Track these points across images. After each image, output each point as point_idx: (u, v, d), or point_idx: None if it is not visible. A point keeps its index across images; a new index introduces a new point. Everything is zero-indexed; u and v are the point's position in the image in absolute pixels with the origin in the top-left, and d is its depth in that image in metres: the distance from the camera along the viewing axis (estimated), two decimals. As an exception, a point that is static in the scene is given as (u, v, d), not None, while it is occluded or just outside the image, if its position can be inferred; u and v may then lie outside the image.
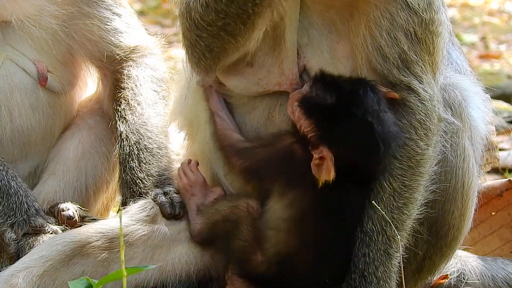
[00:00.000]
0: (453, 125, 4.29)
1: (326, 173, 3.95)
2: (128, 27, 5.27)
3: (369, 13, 4.17)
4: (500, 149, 8.00)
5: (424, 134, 4.17)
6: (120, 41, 5.22)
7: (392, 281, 4.16)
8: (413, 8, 4.17)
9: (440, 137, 4.22)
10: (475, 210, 4.98)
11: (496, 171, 7.44)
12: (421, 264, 4.27)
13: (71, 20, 5.04)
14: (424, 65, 4.26)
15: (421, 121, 4.18)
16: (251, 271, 4.35)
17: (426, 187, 4.16)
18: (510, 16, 19.57)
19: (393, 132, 4.03)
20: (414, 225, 4.23)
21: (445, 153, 4.22)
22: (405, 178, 4.16)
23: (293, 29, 4.23)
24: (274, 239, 4.28)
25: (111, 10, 5.22)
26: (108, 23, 5.20)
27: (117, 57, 5.20)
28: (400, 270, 4.13)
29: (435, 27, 4.28)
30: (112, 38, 5.21)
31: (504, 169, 7.42)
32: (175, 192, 4.49)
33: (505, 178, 6.80)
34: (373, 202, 4.14)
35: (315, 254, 4.23)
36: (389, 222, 4.11)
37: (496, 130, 8.27)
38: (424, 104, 4.21)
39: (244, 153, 4.37)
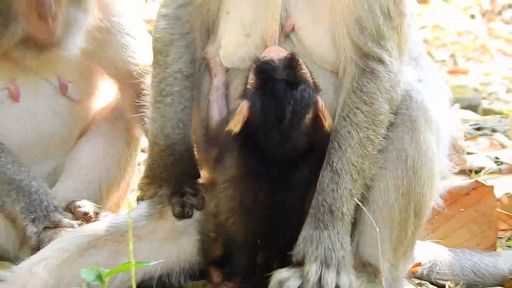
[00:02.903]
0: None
1: (234, 123, 4.05)
2: (143, 47, 5.29)
3: None
4: (468, 153, 8.03)
5: (388, 100, 4.24)
6: (137, 60, 5.28)
7: (351, 219, 4.23)
8: None
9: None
10: (446, 207, 5.01)
11: (464, 172, 7.45)
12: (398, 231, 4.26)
13: (93, 45, 5.09)
14: (393, 42, 4.31)
15: (387, 88, 4.24)
16: (211, 255, 4.45)
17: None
18: (477, 36, 19.62)
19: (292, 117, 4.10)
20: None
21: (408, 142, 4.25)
22: (369, 132, 4.21)
23: None
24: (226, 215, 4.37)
25: (128, 35, 5.30)
26: (126, 47, 5.28)
27: (135, 73, 5.22)
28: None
29: (404, 8, 4.33)
30: (130, 59, 5.28)
31: (471, 171, 7.44)
32: (191, 194, 4.44)
33: (472, 179, 6.83)
34: (339, 146, 4.22)
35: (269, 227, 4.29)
36: (354, 165, 4.18)
37: (464, 136, 8.31)
38: (390, 75, 4.26)
39: (214, 137, 4.46)
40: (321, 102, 4.18)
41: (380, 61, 4.26)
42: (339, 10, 4.23)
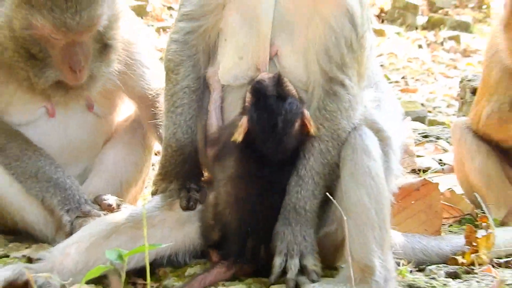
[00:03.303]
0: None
1: (238, 134, 4.07)
2: (156, 73, 5.28)
3: (327, 20, 4.20)
4: (417, 156, 8.02)
5: (347, 118, 4.21)
6: (151, 86, 5.26)
7: (314, 215, 4.21)
8: (355, 24, 4.22)
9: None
10: (400, 200, 5.05)
11: (414, 172, 7.42)
12: None
13: (116, 76, 5.10)
14: (354, 70, 4.29)
15: (346, 107, 4.22)
16: (210, 239, 4.42)
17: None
18: (423, 62, 19.63)
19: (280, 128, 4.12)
20: None
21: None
22: (328, 144, 4.20)
23: (268, 23, 4.29)
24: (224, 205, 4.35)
25: (145, 66, 5.28)
26: (142, 76, 5.26)
27: (150, 96, 5.23)
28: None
29: (364, 42, 4.33)
30: (145, 85, 5.26)
31: (420, 170, 7.42)
32: (195, 190, 4.43)
33: (421, 177, 6.80)
34: (306, 157, 4.22)
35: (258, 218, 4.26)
36: (317, 173, 4.19)
37: (414, 142, 8.27)
38: (350, 97, 4.25)
39: (213, 141, 4.44)
40: (306, 112, 4.16)
41: (342, 85, 4.24)
42: (312, 41, 4.25)
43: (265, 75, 4.24)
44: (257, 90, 4.20)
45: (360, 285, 3.96)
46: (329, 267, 4.24)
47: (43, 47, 4.74)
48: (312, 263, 4.10)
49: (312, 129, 4.16)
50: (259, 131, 4.15)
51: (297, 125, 4.17)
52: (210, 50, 4.53)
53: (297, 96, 4.23)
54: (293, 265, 4.07)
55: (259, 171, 4.26)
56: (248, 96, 4.21)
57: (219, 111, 4.47)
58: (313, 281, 4.03)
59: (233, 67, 4.38)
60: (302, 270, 4.08)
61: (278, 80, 4.21)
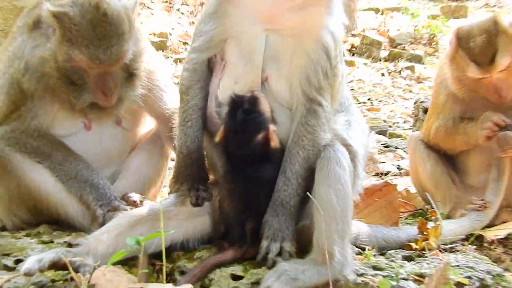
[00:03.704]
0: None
1: (217, 137, 4.29)
2: (172, 95, 5.31)
3: (308, 53, 4.28)
4: (380, 162, 8.00)
5: (323, 130, 4.31)
6: (168, 106, 5.27)
7: (296, 209, 4.29)
8: (330, 57, 4.30)
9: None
10: (365, 198, 5.14)
11: (377, 175, 7.40)
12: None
13: (139, 98, 5.13)
14: (328, 93, 4.38)
15: (323, 122, 4.32)
16: (219, 231, 4.49)
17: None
18: (385, 87, 19.60)
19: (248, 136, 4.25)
20: None
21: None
22: (309, 152, 4.27)
23: (261, 55, 4.36)
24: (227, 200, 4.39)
25: (163, 90, 5.30)
26: (161, 99, 5.28)
27: (167, 114, 5.23)
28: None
29: (337, 71, 4.42)
30: (163, 106, 5.28)
31: (382, 174, 7.40)
32: (203, 190, 4.43)
33: (383, 179, 6.80)
34: (291, 162, 4.30)
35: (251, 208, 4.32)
36: (299, 175, 4.26)
37: (378, 151, 8.25)
38: (326, 114, 4.34)
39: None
40: (272, 128, 4.25)
41: (320, 104, 4.31)
42: (295, 69, 4.31)
43: (244, 94, 4.30)
44: (232, 104, 4.28)
45: (321, 266, 4.02)
46: (304, 252, 4.20)
47: (80, 76, 4.76)
48: (289, 246, 4.16)
49: (273, 143, 4.26)
50: (229, 136, 4.26)
51: (260, 136, 4.23)
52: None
53: (268, 115, 4.28)
54: (275, 248, 4.14)
55: (239, 169, 4.32)
56: (227, 107, 4.30)
57: (215, 104, 4.53)
58: (285, 260, 4.08)
59: (229, 89, 4.41)
60: (281, 252, 4.14)
61: (252, 99, 4.26)
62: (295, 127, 4.35)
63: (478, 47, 5.39)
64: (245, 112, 4.24)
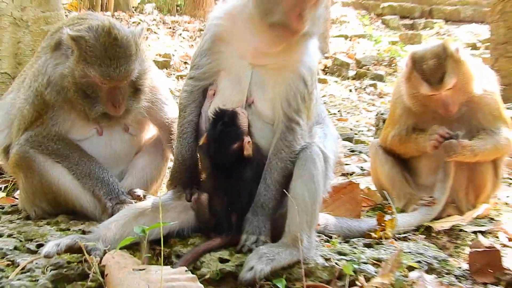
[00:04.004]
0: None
1: (200, 141, 4.39)
2: (172, 107, 5.32)
3: (288, 82, 4.33)
4: (346, 164, 7.98)
5: (298, 144, 4.33)
6: (168, 116, 5.27)
7: (273, 211, 4.29)
8: (306, 85, 4.34)
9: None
10: (333, 195, 5.09)
11: (344, 175, 7.39)
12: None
13: (143, 109, 5.16)
14: (304, 113, 4.40)
15: (300, 137, 4.35)
16: (210, 225, 4.42)
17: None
18: (352, 101, 19.61)
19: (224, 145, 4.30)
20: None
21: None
22: (287, 162, 4.29)
23: (247, 81, 4.39)
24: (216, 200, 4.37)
25: (164, 103, 5.30)
26: (162, 110, 5.28)
27: (167, 123, 5.24)
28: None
29: (312, 95, 4.44)
30: (164, 115, 5.27)
31: (347, 174, 7.38)
32: (196, 188, 4.49)
33: (348, 179, 6.78)
34: (270, 171, 4.32)
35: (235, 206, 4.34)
36: (278, 182, 4.27)
37: (344, 155, 8.23)
38: (302, 131, 4.37)
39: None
40: (246, 140, 4.28)
41: (297, 123, 4.34)
42: (277, 94, 4.35)
43: (226, 109, 4.33)
44: (215, 115, 4.32)
45: (292, 249, 4.09)
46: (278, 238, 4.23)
47: (94, 90, 4.77)
48: (263, 238, 4.19)
49: (246, 152, 4.28)
50: (209, 143, 4.30)
51: (235, 146, 4.26)
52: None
53: (244, 128, 4.30)
54: (252, 239, 4.18)
55: (219, 171, 4.36)
56: (209, 119, 4.37)
57: (206, 122, 4.52)
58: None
59: None
60: (257, 243, 4.16)
61: (232, 114, 4.28)
62: (275, 141, 4.36)
63: (429, 69, 5.40)
64: (224, 124, 4.27)
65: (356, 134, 12.16)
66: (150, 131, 5.43)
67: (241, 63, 4.42)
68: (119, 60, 4.69)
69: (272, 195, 4.28)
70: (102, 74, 4.66)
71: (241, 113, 4.32)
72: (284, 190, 4.23)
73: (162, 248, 3.78)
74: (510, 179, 7.29)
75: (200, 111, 4.58)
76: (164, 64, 20.16)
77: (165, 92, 5.36)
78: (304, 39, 4.36)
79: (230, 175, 4.33)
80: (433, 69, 5.39)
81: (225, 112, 4.31)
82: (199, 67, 4.57)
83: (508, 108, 10.63)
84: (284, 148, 4.33)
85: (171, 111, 5.28)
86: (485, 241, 5.07)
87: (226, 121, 4.28)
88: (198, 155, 4.56)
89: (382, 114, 10.52)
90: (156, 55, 20.77)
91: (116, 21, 4.95)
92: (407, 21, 33.53)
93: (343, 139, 10.94)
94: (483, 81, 5.63)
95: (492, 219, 5.72)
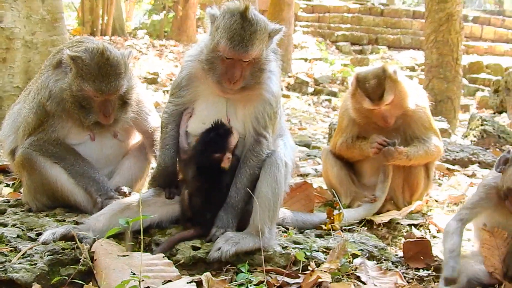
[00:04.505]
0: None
1: (195, 140, 4.38)
2: (155, 118, 5.24)
3: (256, 105, 4.29)
4: (302, 166, 7.97)
5: (265, 153, 4.28)
6: (151, 125, 5.18)
7: (241, 210, 4.27)
8: (271, 106, 4.29)
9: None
10: (291, 192, 5.02)
11: (300, 176, 7.37)
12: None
13: (130, 119, 5.07)
14: (270, 129, 4.34)
15: (265, 148, 4.30)
16: (187, 216, 4.39)
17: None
18: (311, 113, 19.61)
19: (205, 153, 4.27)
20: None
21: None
22: (255, 169, 4.25)
23: (224, 104, 4.35)
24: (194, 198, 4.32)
25: (147, 114, 5.21)
26: (146, 120, 5.18)
27: (150, 131, 5.17)
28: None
29: (277, 114, 4.41)
30: (147, 125, 5.17)
31: (303, 175, 7.37)
32: (175, 187, 4.50)
33: (304, 179, 6.75)
34: (240, 177, 4.29)
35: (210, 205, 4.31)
36: (246, 186, 4.21)
37: (301, 159, 8.19)
38: (268, 143, 4.31)
39: (184, 152, 4.45)
40: (227, 155, 4.24)
41: (264, 137, 4.29)
42: (247, 114, 4.31)
43: (225, 125, 4.29)
44: (214, 124, 4.27)
45: (255, 237, 4.10)
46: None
47: (88, 102, 4.71)
48: (231, 233, 4.15)
49: (223, 165, 4.24)
50: (198, 143, 4.32)
51: (216, 155, 4.22)
52: None
53: (231, 146, 4.25)
54: (220, 231, 4.17)
55: (204, 174, 4.30)
56: (207, 127, 4.30)
57: (185, 138, 4.48)
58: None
59: (198, 128, 4.38)
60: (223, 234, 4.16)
61: (226, 130, 4.25)
62: (245, 152, 4.32)
63: (371, 87, 5.41)
64: (217, 134, 4.22)
65: (313, 141, 12.17)
66: (136, 138, 5.33)
67: (215, 94, 4.35)
68: (110, 77, 4.65)
69: (241, 197, 4.23)
70: (96, 88, 4.61)
71: (235, 134, 4.27)
72: (251, 190, 4.20)
73: (142, 237, 3.72)
74: (440, 180, 7.31)
75: (178, 129, 4.52)
76: (152, 81, 20.22)
77: (148, 105, 5.29)
78: (267, 76, 4.32)
79: (210, 180, 4.28)
80: (374, 87, 5.40)
81: (222, 126, 4.26)
82: (178, 96, 4.51)
83: (439, 121, 10.79)
84: (252, 158, 4.28)
85: (154, 121, 5.20)
86: (418, 232, 5.12)
87: (220, 132, 4.23)
88: (180, 166, 4.54)
89: (334, 124, 10.48)
90: (146, 73, 20.75)
91: (109, 45, 4.93)
92: (357, 47, 33.68)
93: (302, 145, 10.92)
94: (416, 98, 5.66)
95: (424, 214, 5.76)
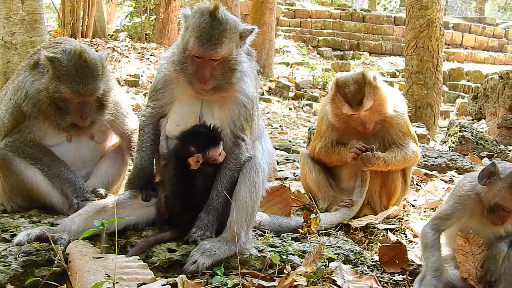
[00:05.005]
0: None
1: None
2: (132, 121, 5.24)
3: (231, 108, 4.30)
4: (280, 170, 7.97)
5: (244, 156, 4.31)
6: (128, 128, 5.19)
7: (221, 213, 4.27)
8: (247, 108, 4.32)
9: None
10: (268, 195, 5.06)
11: (278, 179, 7.36)
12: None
13: (107, 121, 5.08)
14: (248, 131, 4.36)
15: (245, 150, 4.33)
16: (163, 218, 4.36)
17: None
18: (291, 117, 19.65)
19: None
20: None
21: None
22: (234, 172, 4.29)
23: (198, 106, 4.36)
24: (171, 200, 4.31)
25: (125, 116, 5.20)
26: (123, 122, 5.18)
27: (127, 133, 5.18)
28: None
29: (254, 116, 4.41)
30: (124, 127, 5.18)
31: (281, 179, 7.36)
32: (152, 189, 4.49)
33: (281, 182, 6.76)
34: (221, 180, 4.30)
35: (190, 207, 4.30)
36: (226, 188, 4.24)
37: (278, 163, 8.19)
38: (246, 145, 4.34)
39: (163, 157, 4.46)
40: (196, 157, 4.21)
41: (242, 139, 4.32)
42: (224, 117, 4.32)
43: (216, 129, 4.29)
44: (203, 124, 4.30)
45: (231, 243, 4.12)
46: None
47: (65, 103, 4.70)
48: (209, 233, 4.16)
49: (191, 165, 4.23)
50: (181, 135, 4.29)
51: (192, 150, 4.21)
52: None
53: (204, 149, 4.22)
54: (199, 233, 4.16)
55: (181, 175, 4.28)
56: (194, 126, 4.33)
57: (165, 143, 4.45)
58: (205, 240, 4.13)
59: (173, 129, 4.39)
60: (202, 236, 4.16)
61: (209, 136, 4.26)
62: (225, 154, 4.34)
63: (350, 93, 5.42)
64: (205, 132, 4.23)
65: (293, 145, 12.16)
66: (113, 140, 5.32)
67: (191, 96, 4.37)
68: (87, 79, 4.65)
69: (222, 200, 4.24)
70: (72, 90, 4.60)
71: (219, 147, 4.26)
72: (231, 192, 4.24)
73: (116, 239, 3.69)
74: (418, 185, 7.35)
75: (156, 130, 4.54)
76: (133, 83, 20.15)
77: (126, 107, 5.28)
78: (239, 77, 4.33)
79: (186, 182, 4.27)
80: (354, 93, 5.41)
81: (207, 130, 4.26)
82: (155, 100, 4.53)
83: (418, 127, 10.86)
84: (232, 160, 4.30)
85: (131, 123, 5.20)
86: (393, 237, 5.11)
87: (201, 132, 4.24)
88: (158, 167, 4.57)
89: (313, 128, 10.52)
90: (127, 75, 20.67)
91: (86, 46, 4.93)
92: (338, 52, 33.78)
93: (283, 150, 10.91)
94: (394, 104, 5.68)
95: (401, 218, 5.77)
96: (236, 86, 4.33)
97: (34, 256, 3.84)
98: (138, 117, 4.88)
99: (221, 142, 4.28)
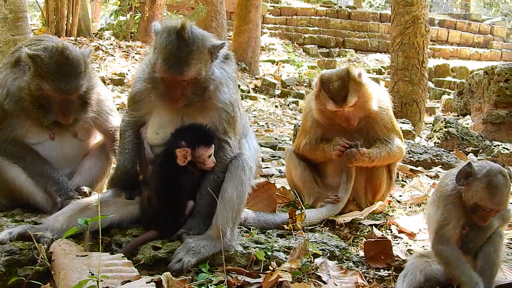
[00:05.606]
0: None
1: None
2: (116, 118, 5.21)
3: (210, 113, 4.32)
4: (265, 167, 7.99)
5: (228, 157, 4.33)
6: (112, 125, 5.15)
7: (207, 215, 4.25)
8: (228, 112, 4.34)
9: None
10: (254, 192, 4.94)
11: (264, 176, 7.38)
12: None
13: (90, 119, 5.06)
14: (232, 133, 4.38)
15: (228, 152, 4.35)
16: (148, 217, 4.35)
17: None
18: (278, 115, 19.70)
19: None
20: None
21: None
22: (219, 174, 4.30)
23: (179, 114, 4.35)
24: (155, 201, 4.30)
25: (108, 114, 5.17)
26: (106, 120, 5.16)
27: (111, 131, 5.15)
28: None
29: (237, 118, 4.42)
30: (108, 125, 5.15)
31: (267, 175, 7.38)
32: (135, 189, 4.49)
33: (267, 179, 6.77)
34: (205, 183, 4.30)
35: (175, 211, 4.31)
36: (211, 191, 4.19)
37: (264, 160, 8.20)
38: (231, 147, 4.36)
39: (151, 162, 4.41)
40: (184, 151, 4.19)
41: (226, 142, 4.34)
42: (207, 120, 4.31)
43: (209, 132, 4.30)
44: (195, 124, 4.30)
45: (216, 241, 4.11)
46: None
47: (47, 101, 4.66)
48: (192, 241, 4.08)
49: (178, 159, 4.21)
50: (176, 131, 4.29)
51: (182, 144, 4.18)
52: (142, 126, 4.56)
53: (194, 145, 4.20)
54: (185, 232, 4.18)
55: (166, 175, 4.28)
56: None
57: (149, 147, 4.44)
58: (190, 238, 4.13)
59: (153, 138, 4.42)
60: (188, 234, 4.19)
61: (204, 132, 4.27)
62: None
63: (335, 89, 5.44)
64: (198, 130, 4.25)
65: (280, 142, 12.18)
66: (97, 137, 5.30)
67: (169, 107, 4.36)
68: (70, 76, 4.62)
69: (207, 203, 4.23)
70: (55, 88, 4.57)
71: (209, 148, 4.25)
72: (216, 191, 4.24)
73: (100, 237, 3.65)
74: (403, 181, 7.38)
75: (137, 133, 4.55)
76: (119, 82, 20.08)
77: (109, 104, 5.26)
78: (213, 89, 4.30)
79: (168, 181, 4.26)
80: (338, 89, 5.44)
81: (201, 129, 4.27)
82: (134, 109, 4.56)
83: (403, 123, 10.89)
84: (217, 164, 4.31)
85: (115, 121, 5.18)
86: (379, 233, 5.13)
87: (195, 129, 4.25)
88: (140, 165, 4.57)
89: (299, 126, 10.53)
90: (113, 74, 20.58)
91: (69, 43, 4.89)
92: (324, 50, 33.77)
93: (269, 147, 10.95)
94: (379, 100, 5.71)
95: (386, 214, 5.81)
96: (212, 98, 4.35)
97: (17, 255, 3.81)
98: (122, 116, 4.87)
99: (213, 146, 4.28)
